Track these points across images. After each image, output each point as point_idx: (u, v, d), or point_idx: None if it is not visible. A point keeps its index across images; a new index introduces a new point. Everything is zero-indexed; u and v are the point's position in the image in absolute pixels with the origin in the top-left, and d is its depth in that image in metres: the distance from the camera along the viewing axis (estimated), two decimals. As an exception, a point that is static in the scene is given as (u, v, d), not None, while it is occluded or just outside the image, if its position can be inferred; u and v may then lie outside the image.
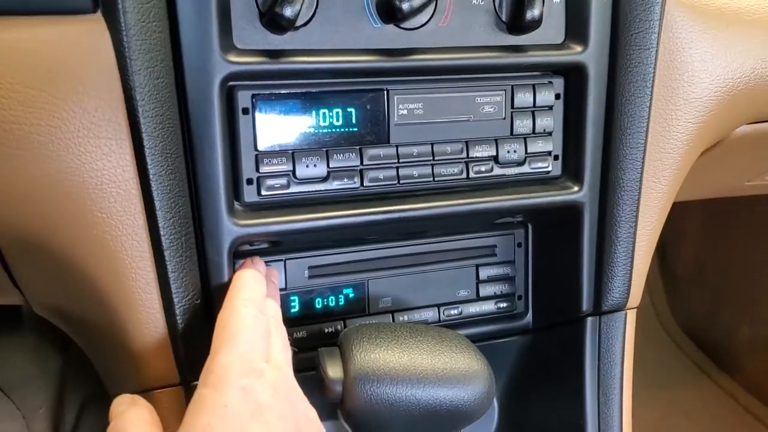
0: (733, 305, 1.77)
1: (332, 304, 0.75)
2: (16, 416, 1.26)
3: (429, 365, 0.62)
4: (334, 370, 0.62)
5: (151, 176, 0.57)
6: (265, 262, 0.71)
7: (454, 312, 0.79)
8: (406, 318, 0.77)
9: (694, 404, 1.76)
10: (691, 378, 1.82)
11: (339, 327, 0.75)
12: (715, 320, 1.81)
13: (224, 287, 0.62)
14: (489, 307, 0.80)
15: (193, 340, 0.61)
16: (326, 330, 0.74)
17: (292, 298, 0.73)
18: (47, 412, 1.27)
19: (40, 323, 1.28)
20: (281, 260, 0.72)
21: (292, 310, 0.73)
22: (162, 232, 0.58)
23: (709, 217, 1.76)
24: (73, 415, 1.24)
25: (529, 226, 0.81)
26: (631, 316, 0.78)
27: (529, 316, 0.82)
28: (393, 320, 0.77)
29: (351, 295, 0.75)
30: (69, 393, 1.25)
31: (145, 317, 0.60)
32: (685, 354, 1.88)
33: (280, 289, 0.72)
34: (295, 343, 0.73)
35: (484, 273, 0.80)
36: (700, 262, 1.83)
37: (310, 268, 0.73)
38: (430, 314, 0.78)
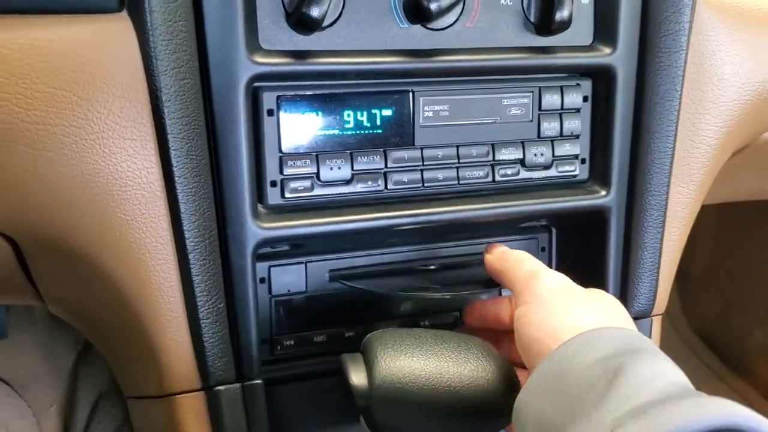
0: (745, 308, 1.76)
1: (353, 307, 0.74)
2: (27, 413, 1.26)
3: (455, 372, 0.61)
4: (358, 377, 0.61)
5: (176, 178, 0.56)
6: (286, 264, 0.70)
7: None
8: (428, 323, 0.76)
9: (706, 407, 1.75)
10: (703, 380, 1.81)
11: (360, 331, 0.74)
12: (728, 323, 1.80)
13: (247, 290, 0.61)
14: None
15: (216, 344, 0.60)
16: (347, 334, 0.73)
17: (312, 301, 0.72)
18: (58, 410, 1.26)
19: (52, 321, 1.28)
20: (302, 263, 0.71)
21: (313, 314, 0.72)
22: (186, 235, 0.57)
23: (722, 220, 1.74)
24: (85, 413, 1.24)
25: (553, 231, 0.79)
26: (657, 323, 0.77)
27: None
28: (415, 324, 0.76)
29: (372, 299, 0.74)
30: (81, 391, 1.25)
31: (168, 321, 0.59)
32: (698, 356, 1.86)
33: (301, 293, 0.71)
34: (315, 347, 0.72)
35: None
36: (713, 265, 1.82)
37: (331, 271, 0.72)
38: (452, 319, 0.77)
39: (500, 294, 0.76)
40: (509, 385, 0.63)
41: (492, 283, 0.70)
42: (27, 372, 1.26)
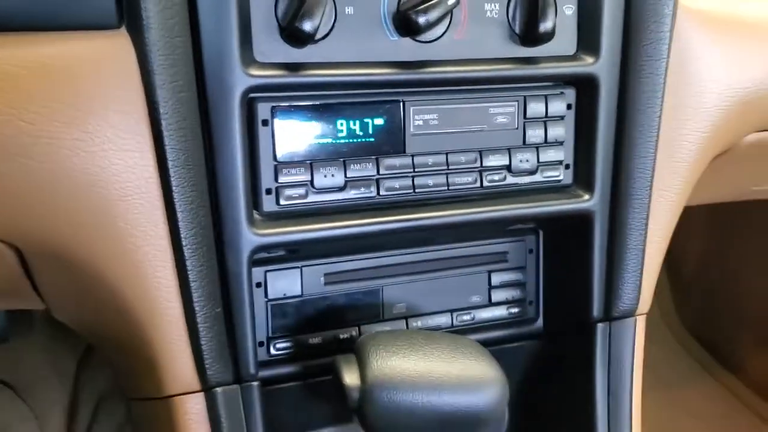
0: (737, 306, 1.78)
1: (347, 310, 0.76)
2: (29, 417, 1.27)
3: (445, 372, 0.63)
4: (351, 377, 0.64)
5: (173, 188, 0.58)
6: (282, 269, 0.72)
7: (466, 317, 0.80)
8: (419, 324, 0.78)
9: (699, 404, 1.78)
10: (696, 378, 1.83)
11: (354, 333, 0.76)
12: (720, 321, 1.82)
13: (243, 295, 0.63)
14: (501, 312, 0.82)
15: (213, 347, 0.62)
16: (341, 336, 0.76)
17: (308, 304, 0.74)
18: (61, 412, 1.28)
19: (52, 325, 1.29)
20: (298, 267, 0.73)
21: (308, 317, 0.74)
22: (184, 243, 0.60)
23: (713, 218, 1.77)
24: (87, 415, 1.26)
25: (540, 233, 0.82)
26: (641, 322, 0.79)
27: (540, 321, 0.83)
28: (407, 326, 0.78)
29: (366, 302, 0.77)
30: (83, 393, 1.27)
31: (167, 325, 0.61)
32: (690, 354, 1.89)
33: (297, 296, 0.73)
34: (310, 349, 0.74)
35: (497, 279, 0.81)
36: (705, 263, 1.84)
37: (326, 275, 0.74)
38: (443, 320, 0.79)
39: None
40: (497, 384, 0.65)
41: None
42: (29, 375, 1.28)
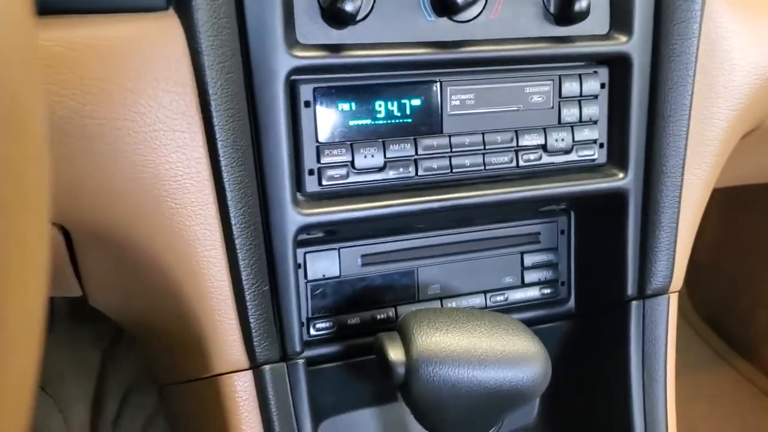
0: (750, 291, 1.79)
1: (383, 291, 0.77)
2: (54, 411, 1.28)
3: (488, 347, 0.64)
4: (396, 354, 0.64)
5: (223, 168, 0.59)
6: (321, 250, 0.73)
7: (500, 298, 0.81)
8: (454, 304, 0.79)
9: (712, 389, 1.79)
10: (709, 363, 1.84)
11: (390, 313, 0.77)
12: (733, 306, 1.83)
13: (289, 274, 0.64)
14: (533, 293, 0.82)
15: (262, 325, 0.63)
16: (378, 317, 0.76)
17: (345, 285, 0.75)
18: (86, 406, 1.29)
19: (75, 319, 1.30)
20: (335, 249, 0.74)
21: (346, 298, 0.75)
22: (233, 221, 0.60)
23: (726, 202, 1.77)
24: (114, 407, 1.26)
25: (572, 214, 0.82)
26: (674, 300, 0.80)
27: (572, 302, 0.84)
28: (441, 306, 0.79)
29: (401, 283, 0.77)
30: (109, 386, 1.27)
31: (217, 304, 0.62)
32: (703, 339, 1.90)
33: (335, 277, 0.74)
34: (348, 329, 0.75)
35: (529, 260, 0.82)
36: (718, 249, 1.85)
37: (362, 256, 0.75)
38: (477, 300, 0.80)
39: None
40: (541, 359, 0.66)
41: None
42: (53, 370, 1.28)
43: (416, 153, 0.69)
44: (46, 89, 0.52)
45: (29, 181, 0.26)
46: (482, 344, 0.65)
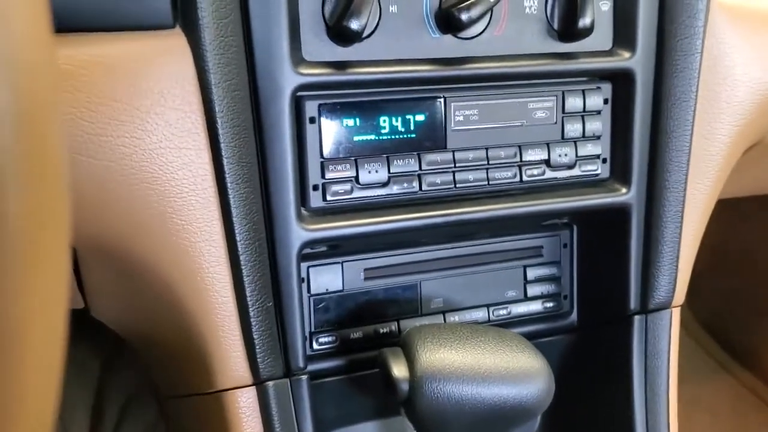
0: (750, 300, 1.79)
1: (386, 305, 0.77)
2: (54, 418, 1.28)
3: (493, 363, 0.64)
4: (399, 370, 0.64)
5: (228, 185, 0.59)
6: (324, 264, 0.73)
7: (503, 312, 0.81)
8: (457, 318, 0.80)
9: (714, 400, 1.79)
10: (711, 374, 1.84)
11: (393, 327, 0.77)
12: (734, 315, 1.83)
13: (293, 289, 0.64)
14: (536, 306, 0.83)
15: (266, 341, 0.63)
16: (381, 330, 0.77)
17: (348, 299, 0.75)
18: (84, 414, 1.28)
19: (73, 328, 1.30)
20: (339, 263, 0.74)
21: (349, 312, 0.75)
22: (238, 238, 0.61)
23: (726, 212, 1.78)
24: (113, 417, 1.26)
25: (575, 228, 0.83)
26: (676, 314, 0.81)
27: (575, 316, 0.84)
28: (444, 321, 0.79)
29: (404, 296, 0.78)
30: (108, 395, 1.27)
31: (221, 320, 0.62)
32: (705, 349, 1.90)
33: (338, 291, 0.74)
34: (351, 343, 0.75)
35: (532, 273, 0.82)
36: (718, 258, 1.85)
37: (365, 270, 0.75)
38: (480, 314, 0.80)
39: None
40: (544, 375, 0.66)
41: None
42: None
43: (420, 168, 0.69)
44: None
45: (51, 212, 0.26)
46: (486, 361, 0.65)
